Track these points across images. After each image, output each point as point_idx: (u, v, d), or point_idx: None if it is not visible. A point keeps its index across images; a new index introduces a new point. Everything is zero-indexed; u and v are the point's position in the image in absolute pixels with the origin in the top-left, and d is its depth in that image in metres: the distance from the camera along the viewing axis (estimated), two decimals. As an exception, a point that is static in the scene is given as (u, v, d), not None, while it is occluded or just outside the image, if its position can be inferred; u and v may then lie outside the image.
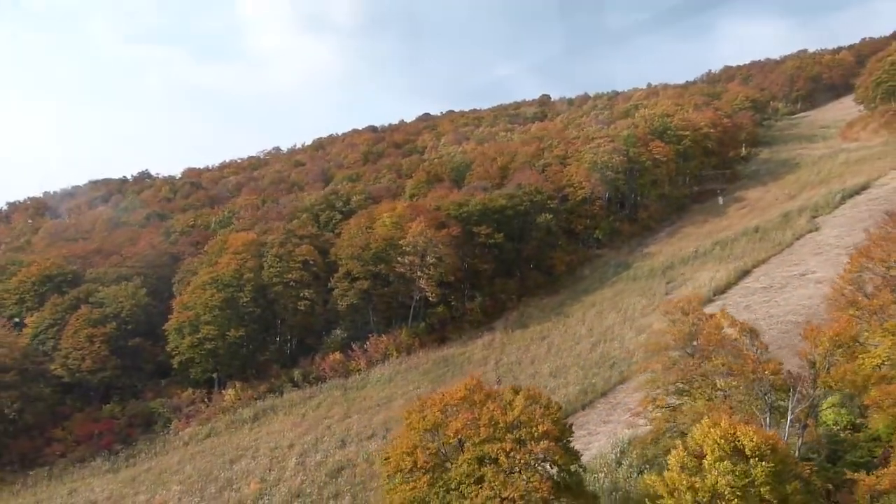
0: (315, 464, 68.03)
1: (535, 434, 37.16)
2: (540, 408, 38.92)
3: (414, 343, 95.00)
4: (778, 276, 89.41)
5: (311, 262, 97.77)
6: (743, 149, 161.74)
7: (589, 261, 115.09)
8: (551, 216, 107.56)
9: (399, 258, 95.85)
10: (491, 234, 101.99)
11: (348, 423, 77.37)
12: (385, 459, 41.46)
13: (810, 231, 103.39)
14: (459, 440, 38.60)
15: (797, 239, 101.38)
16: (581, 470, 39.98)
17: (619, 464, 51.64)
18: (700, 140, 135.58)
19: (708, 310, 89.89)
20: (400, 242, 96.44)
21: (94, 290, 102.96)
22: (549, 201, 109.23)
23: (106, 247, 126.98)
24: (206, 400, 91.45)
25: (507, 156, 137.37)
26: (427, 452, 38.51)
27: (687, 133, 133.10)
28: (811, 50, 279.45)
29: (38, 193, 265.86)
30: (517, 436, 37.34)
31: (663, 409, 43.20)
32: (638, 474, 48.99)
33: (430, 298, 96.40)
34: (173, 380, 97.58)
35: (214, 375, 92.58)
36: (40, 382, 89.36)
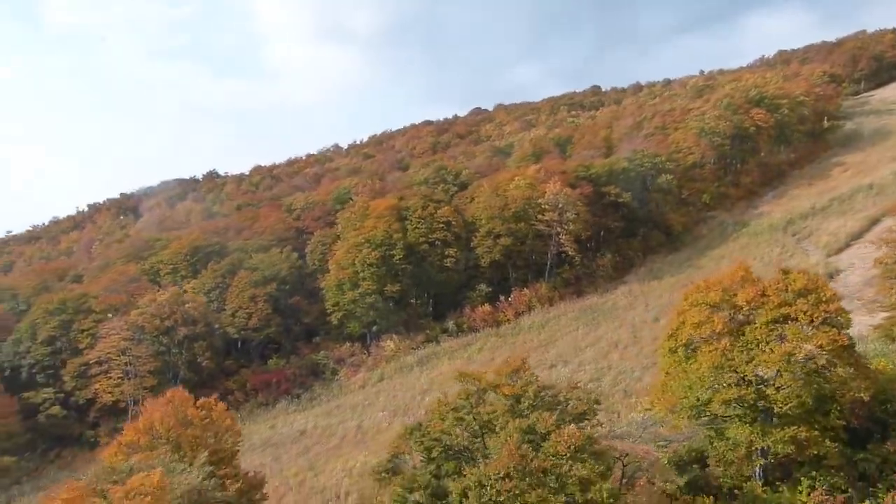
0: (511, 388, 73.41)
1: (824, 297, 42.46)
2: (818, 277, 44.25)
3: (554, 295, 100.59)
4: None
5: (453, 223, 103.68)
6: (825, 121, 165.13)
7: (703, 221, 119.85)
8: (671, 177, 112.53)
9: (538, 216, 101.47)
10: (619, 194, 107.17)
11: (532, 356, 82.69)
12: (670, 336, 46.98)
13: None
14: (750, 309, 43.94)
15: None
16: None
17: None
18: (795, 108, 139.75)
19: (844, 255, 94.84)
20: (539, 201, 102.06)
21: (244, 259, 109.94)
22: (666, 163, 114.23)
23: (232, 225, 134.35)
24: (365, 351, 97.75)
25: (606, 129, 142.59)
26: (722, 321, 43.97)
27: (784, 101, 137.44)
28: (870, 31, 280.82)
29: (115, 195, 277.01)
30: (807, 300, 42.63)
31: (904, 293, 48.24)
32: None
33: (569, 253, 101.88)
34: (327, 336, 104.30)
35: (374, 328, 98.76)
36: (215, 337, 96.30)
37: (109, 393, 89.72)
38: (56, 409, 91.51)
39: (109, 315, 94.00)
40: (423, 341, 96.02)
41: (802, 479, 39.56)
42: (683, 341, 45.94)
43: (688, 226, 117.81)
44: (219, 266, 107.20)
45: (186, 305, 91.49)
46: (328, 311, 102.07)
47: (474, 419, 36.63)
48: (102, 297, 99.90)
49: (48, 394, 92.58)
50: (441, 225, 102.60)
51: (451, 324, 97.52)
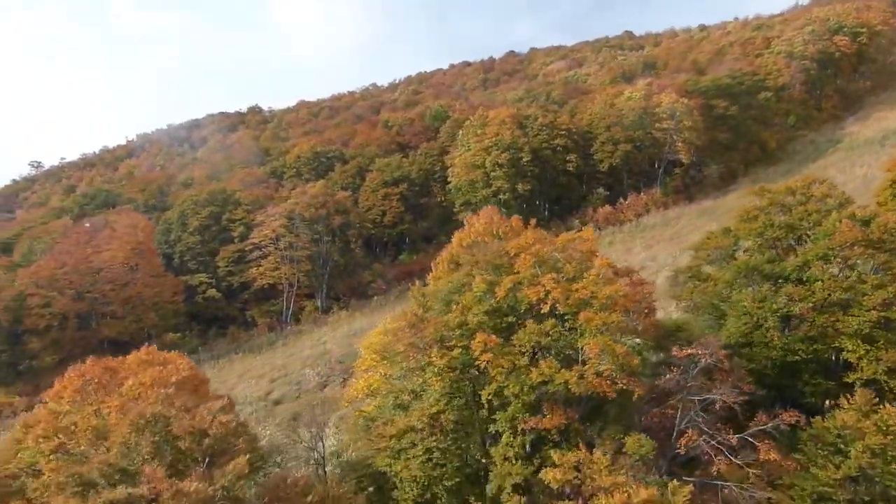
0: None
1: None
2: None
3: (668, 200, 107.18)
4: None
5: (573, 130, 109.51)
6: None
7: (794, 140, 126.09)
8: (770, 94, 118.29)
9: (655, 124, 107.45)
10: (727, 108, 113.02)
11: (667, 246, 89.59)
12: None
13: None
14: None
15: None
16: None
17: None
18: (873, 37, 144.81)
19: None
20: (656, 110, 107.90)
21: (366, 163, 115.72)
22: (764, 81, 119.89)
23: (334, 138, 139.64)
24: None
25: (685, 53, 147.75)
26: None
27: (863, 30, 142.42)
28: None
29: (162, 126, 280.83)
30: None
31: None
32: None
33: (683, 161, 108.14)
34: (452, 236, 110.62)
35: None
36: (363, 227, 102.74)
37: (266, 277, 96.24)
38: (213, 292, 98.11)
39: (262, 206, 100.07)
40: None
41: None
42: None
43: (781, 143, 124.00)
44: (347, 168, 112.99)
45: (337, 196, 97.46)
46: (455, 210, 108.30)
47: (782, 220, 43.26)
48: (245, 191, 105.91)
49: (203, 278, 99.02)
50: (562, 132, 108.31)
51: (576, 222, 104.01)
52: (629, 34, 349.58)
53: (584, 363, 30.30)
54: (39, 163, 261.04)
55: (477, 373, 32.74)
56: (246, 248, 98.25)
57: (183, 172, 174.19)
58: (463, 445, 32.30)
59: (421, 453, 31.50)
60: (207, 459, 24.73)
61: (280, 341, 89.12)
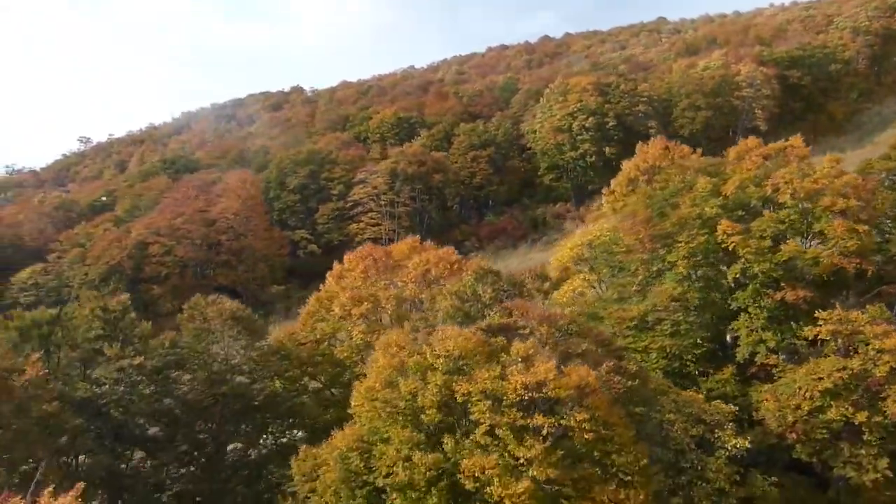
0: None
1: None
2: None
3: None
4: None
5: (655, 98, 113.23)
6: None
7: (860, 112, 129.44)
8: (840, 66, 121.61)
9: (735, 92, 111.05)
10: (800, 78, 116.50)
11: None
12: None
13: None
14: None
15: None
16: None
17: None
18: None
19: None
20: (736, 79, 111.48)
21: (449, 128, 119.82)
22: (835, 53, 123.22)
23: (404, 107, 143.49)
24: (576, 210, 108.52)
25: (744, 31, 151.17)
26: None
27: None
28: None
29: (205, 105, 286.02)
30: None
31: None
32: None
33: (760, 128, 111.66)
34: (533, 198, 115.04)
35: (589, 188, 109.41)
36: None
37: (368, 232, 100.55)
38: (314, 247, 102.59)
39: (356, 166, 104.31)
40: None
41: None
42: None
43: (847, 115, 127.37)
44: (432, 132, 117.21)
45: (435, 155, 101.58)
46: (539, 174, 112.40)
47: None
48: (340, 152, 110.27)
49: (304, 234, 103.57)
50: (644, 99, 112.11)
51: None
52: (663, 20, 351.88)
53: (820, 245, 34.49)
54: (88, 138, 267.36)
55: (713, 260, 37.04)
56: (346, 206, 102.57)
57: (242, 144, 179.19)
58: (704, 319, 36.62)
59: (668, 327, 35.76)
60: (546, 300, 29.15)
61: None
